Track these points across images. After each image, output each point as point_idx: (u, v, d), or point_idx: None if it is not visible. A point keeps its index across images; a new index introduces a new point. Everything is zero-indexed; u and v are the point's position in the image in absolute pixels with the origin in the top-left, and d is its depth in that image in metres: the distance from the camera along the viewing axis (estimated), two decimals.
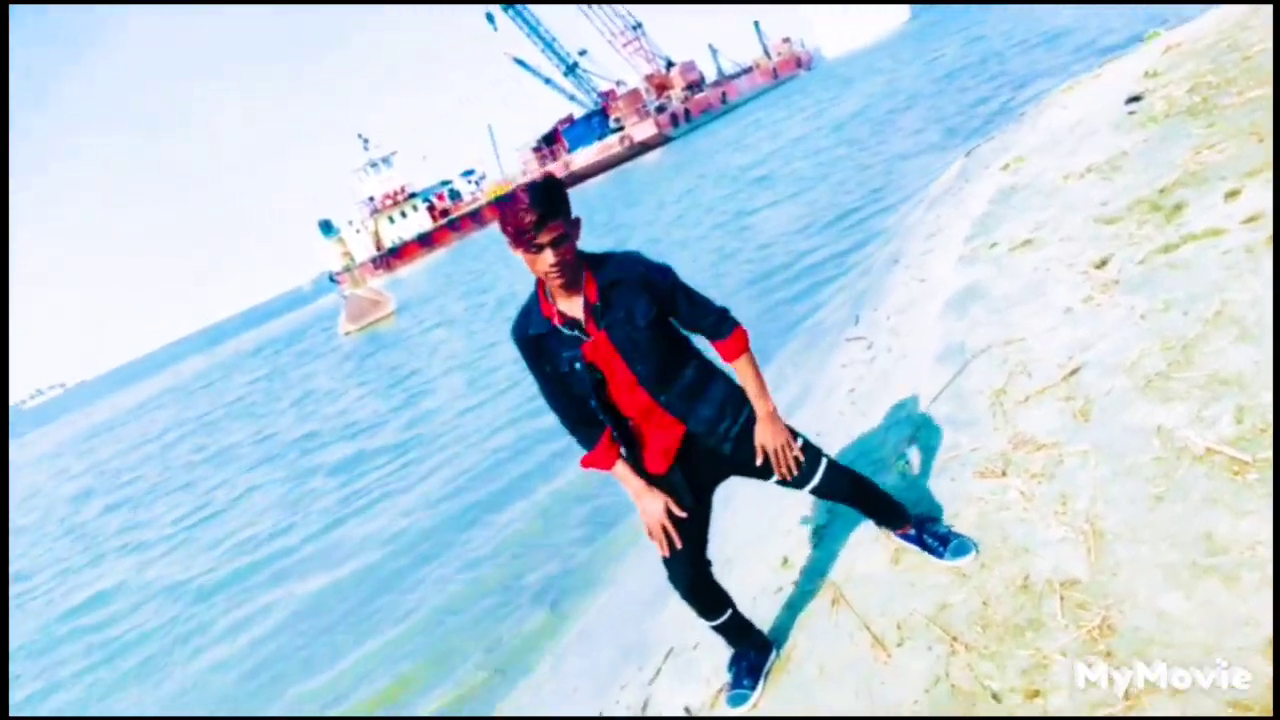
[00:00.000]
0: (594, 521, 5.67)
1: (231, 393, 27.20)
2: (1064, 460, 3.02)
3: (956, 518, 3.04)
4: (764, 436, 2.56)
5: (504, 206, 2.24)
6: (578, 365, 2.42)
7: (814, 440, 2.76)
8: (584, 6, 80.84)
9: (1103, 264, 4.48)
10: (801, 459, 2.62)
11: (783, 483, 2.65)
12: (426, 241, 76.98)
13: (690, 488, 2.62)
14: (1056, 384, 3.53)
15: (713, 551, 2.94)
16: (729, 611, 2.84)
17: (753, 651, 2.94)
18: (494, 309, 20.14)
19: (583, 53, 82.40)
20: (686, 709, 2.91)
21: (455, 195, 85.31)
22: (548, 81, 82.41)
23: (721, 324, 2.53)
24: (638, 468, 2.59)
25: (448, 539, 6.62)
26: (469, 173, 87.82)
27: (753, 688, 2.87)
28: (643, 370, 2.45)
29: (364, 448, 11.21)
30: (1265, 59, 6.49)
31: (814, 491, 2.69)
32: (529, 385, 9.90)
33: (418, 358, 17.25)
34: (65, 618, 9.12)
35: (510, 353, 13.10)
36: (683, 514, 2.58)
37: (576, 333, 2.40)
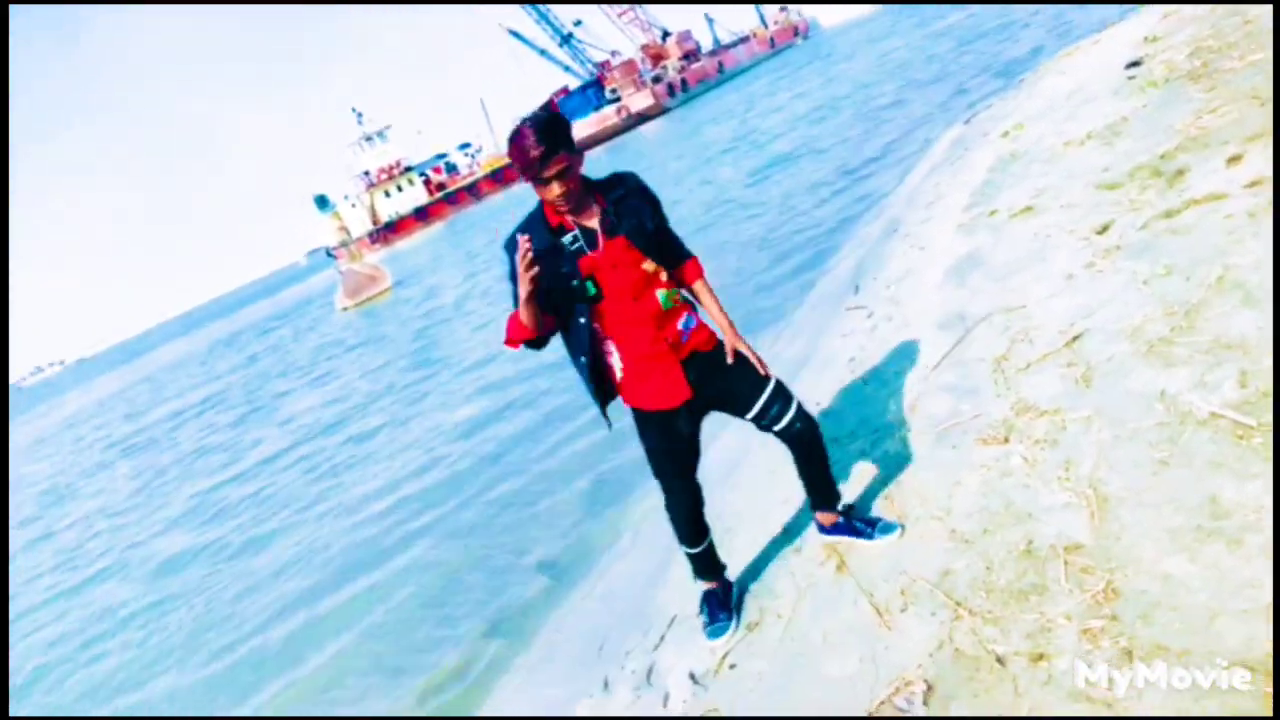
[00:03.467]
0: (595, 494, 5.69)
1: (212, 382, 27.07)
2: (1067, 426, 3.02)
3: (959, 485, 3.05)
4: (739, 344, 2.77)
5: (511, 142, 2.36)
6: (574, 282, 2.52)
7: (808, 407, 2.83)
8: None
9: (1104, 230, 4.46)
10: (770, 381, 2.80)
11: (756, 420, 2.80)
12: (423, 215, 76.56)
13: (690, 419, 2.79)
14: (1058, 350, 3.53)
15: (712, 521, 2.98)
16: (707, 542, 3.05)
17: (719, 589, 3.14)
18: (490, 285, 20.08)
19: (578, 23, 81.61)
20: (691, 674, 2.92)
21: (451, 169, 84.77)
22: (542, 53, 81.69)
23: (684, 248, 2.75)
24: (608, 396, 2.75)
25: (445, 510, 6.64)
26: (465, 145, 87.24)
27: (729, 620, 3.06)
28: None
29: (358, 417, 11.22)
30: (1266, 22, 6.43)
31: (782, 433, 2.82)
32: (528, 361, 9.97)
33: (414, 336, 17.22)
34: None
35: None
36: None
37: (579, 245, 2.52)
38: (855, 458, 3.63)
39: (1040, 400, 3.26)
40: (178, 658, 6.17)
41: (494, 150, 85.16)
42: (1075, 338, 3.54)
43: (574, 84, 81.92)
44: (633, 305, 2.59)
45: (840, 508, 3.13)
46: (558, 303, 2.55)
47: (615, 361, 2.69)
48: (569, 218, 2.51)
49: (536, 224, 2.53)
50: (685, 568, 3.21)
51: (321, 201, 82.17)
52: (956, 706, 2.19)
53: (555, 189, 2.39)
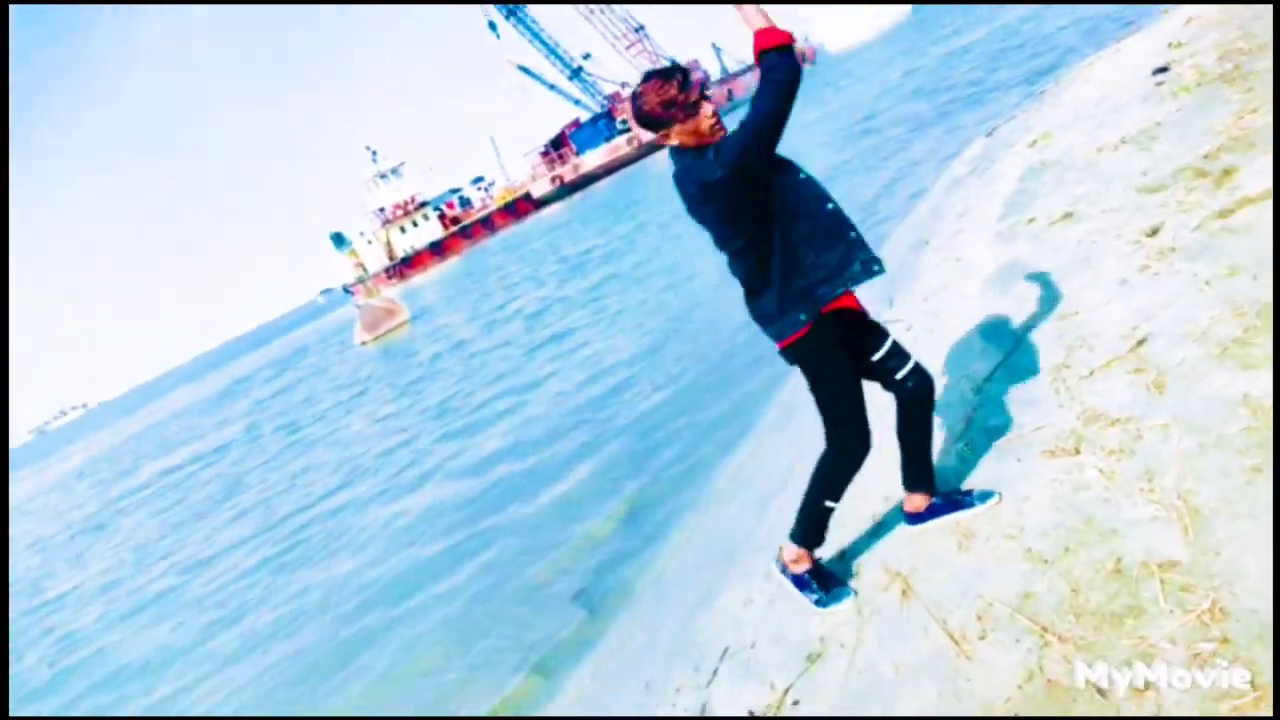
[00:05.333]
0: (629, 523, 5.51)
1: (220, 432, 27.12)
2: (1143, 435, 2.83)
3: (1028, 500, 2.86)
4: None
5: (640, 95, 2.48)
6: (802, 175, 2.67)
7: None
8: (585, 10, 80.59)
9: (1154, 232, 4.28)
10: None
11: (882, 363, 2.80)
12: (438, 250, 76.86)
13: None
14: (1123, 356, 3.34)
15: (760, 543, 2.80)
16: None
17: (821, 566, 3.06)
18: (508, 316, 20.01)
19: (586, 56, 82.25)
20: (750, 712, 2.73)
21: (466, 203, 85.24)
22: (552, 87, 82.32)
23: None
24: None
25: (481, 542, 6.47)
26: (478, 180, 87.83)
27: (844, 587, 2.98)
28: None
29: (394, 449, 11.10)
30: None
31: (900, 383, 2.82)
32: (554, 395, 9.80)
33: (435, 371, 17.15)
34: None
35: (545, 351, 12.94)
36: None
37: None
38: None
39: (1110, 408, 3.07)
40: (202, 689, 6.01)
41: (506, 183, 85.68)
42: (1140, 342, 3.36)
43: (584, 116, 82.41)
44: None
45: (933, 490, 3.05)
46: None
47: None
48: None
49: (701, 160, 2.51)
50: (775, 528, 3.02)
51: (338, 239, 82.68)
52: None
53: (708, 108, 2.50)
